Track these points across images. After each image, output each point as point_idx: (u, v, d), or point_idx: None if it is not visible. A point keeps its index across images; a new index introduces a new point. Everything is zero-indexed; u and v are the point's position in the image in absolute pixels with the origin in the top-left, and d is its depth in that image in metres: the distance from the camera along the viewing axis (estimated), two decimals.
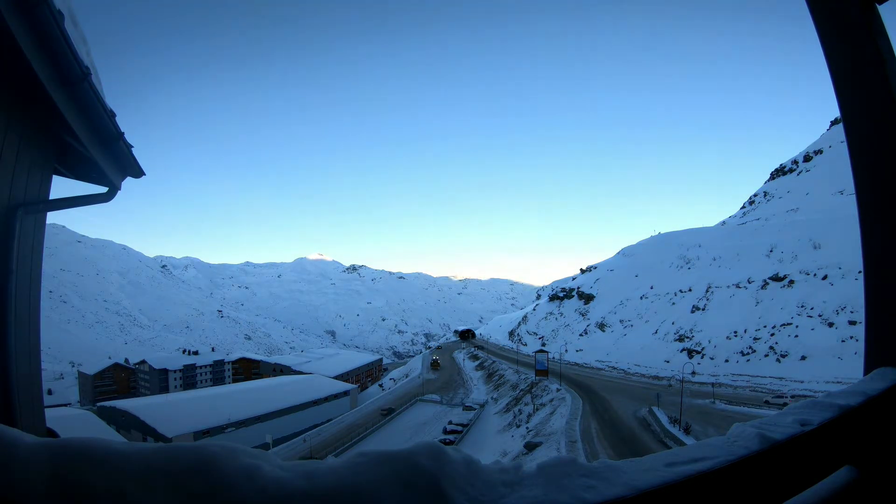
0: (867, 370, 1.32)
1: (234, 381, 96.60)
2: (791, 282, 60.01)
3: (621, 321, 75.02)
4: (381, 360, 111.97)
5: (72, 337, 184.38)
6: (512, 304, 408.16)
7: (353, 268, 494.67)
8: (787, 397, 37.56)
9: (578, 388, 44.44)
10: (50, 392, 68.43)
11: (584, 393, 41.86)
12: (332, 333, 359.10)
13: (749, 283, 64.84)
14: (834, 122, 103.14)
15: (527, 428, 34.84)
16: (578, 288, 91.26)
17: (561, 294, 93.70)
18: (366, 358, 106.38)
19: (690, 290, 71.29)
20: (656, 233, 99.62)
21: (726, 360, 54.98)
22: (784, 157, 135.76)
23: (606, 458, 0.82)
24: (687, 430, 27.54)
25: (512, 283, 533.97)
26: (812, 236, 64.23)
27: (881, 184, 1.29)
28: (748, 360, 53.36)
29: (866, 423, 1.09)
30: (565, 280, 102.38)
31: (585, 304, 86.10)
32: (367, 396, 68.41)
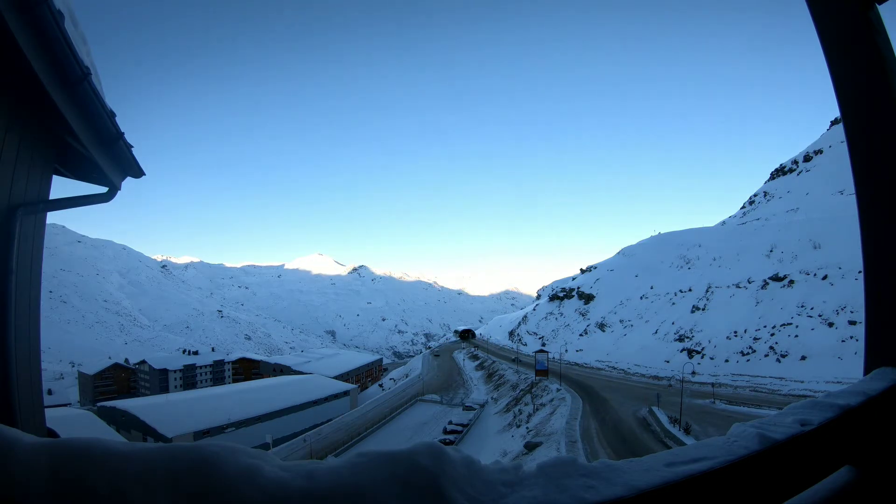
0: (867, 370, 1.32)
1: (234, 381, 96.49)
2: (791, 282, 59.99)
3: (621, 321, 75.01)
4: (381, 360, 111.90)
5: (72, 337, 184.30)
6: (512, 304, 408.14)
7: (354, 268, 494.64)
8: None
9: (578, 388, 44.44)
10: (50, 392, 68.28)
11: (584, 393, 41.86)
12: (332, 333, 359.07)
13: (749, 283, 64.83)
14: (834, 122, 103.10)
15: (527, 428, 34.82)
16: (578, 288, 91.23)
17: (561, 294, 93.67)
18: (366, 358, 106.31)
19: (690, 290, 71.28)
20: (656, 233, 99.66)
21: (726, 360, 54.96)
22: (784, 157, 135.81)
23: (606, 458, 0.82)
24: (687, 430, 27.53)
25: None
26: (812, 236, 64.22)
27: (881, 184, 1.29)
28: (748, 360, 53.34)
29: (866, 423, 1.09)
30: (565, 280, 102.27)
31: (585, 304, 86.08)
32: (367, 396, 68.37)
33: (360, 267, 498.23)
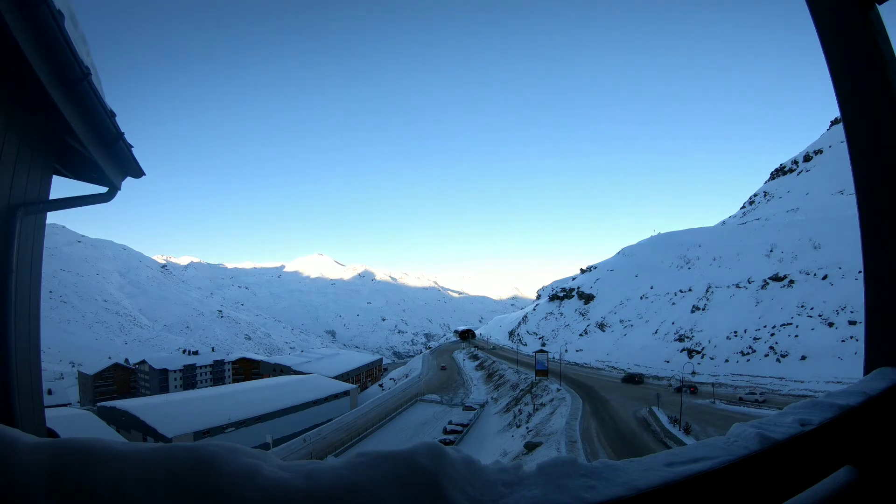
0: (867, 370, 1.32)
1: (234, 381, 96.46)
2: (791, 282, 59.99)
3: (621, 321, 74.99)
4: (381, 360, 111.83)
5: (72, 337, 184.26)
6: (512, 305, 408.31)
7: (354, 268, 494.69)
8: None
9: (578, 388, 44.45)
10: (50, 392, 68.29)
11: (584, 393, 41.87)
12: (332, 333, 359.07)
13: (749, 283, 64.83)
14: (834, 122, 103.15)
15: (527, 428, 34.82)
16: (578, 288, 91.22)
17: (561, 294, 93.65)
18: (366, 358, 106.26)
19: (690, 290, 71.26)
20: (656, 233, 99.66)
21: (726, 360, 54.96)
22: (784, 157, 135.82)
23: (606, 458, 0.83)
24: (687, 430, 27.54)
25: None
26: (812, 236, 64.21)
27: (881, 184, 1.29)
28: (748, 360, 53.34)
29: (866, 423, 1.09)
30: (565, 280, 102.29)
31: (585, 304, 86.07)
32: (367, 396, 68.36)
33: (361, 267, 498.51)
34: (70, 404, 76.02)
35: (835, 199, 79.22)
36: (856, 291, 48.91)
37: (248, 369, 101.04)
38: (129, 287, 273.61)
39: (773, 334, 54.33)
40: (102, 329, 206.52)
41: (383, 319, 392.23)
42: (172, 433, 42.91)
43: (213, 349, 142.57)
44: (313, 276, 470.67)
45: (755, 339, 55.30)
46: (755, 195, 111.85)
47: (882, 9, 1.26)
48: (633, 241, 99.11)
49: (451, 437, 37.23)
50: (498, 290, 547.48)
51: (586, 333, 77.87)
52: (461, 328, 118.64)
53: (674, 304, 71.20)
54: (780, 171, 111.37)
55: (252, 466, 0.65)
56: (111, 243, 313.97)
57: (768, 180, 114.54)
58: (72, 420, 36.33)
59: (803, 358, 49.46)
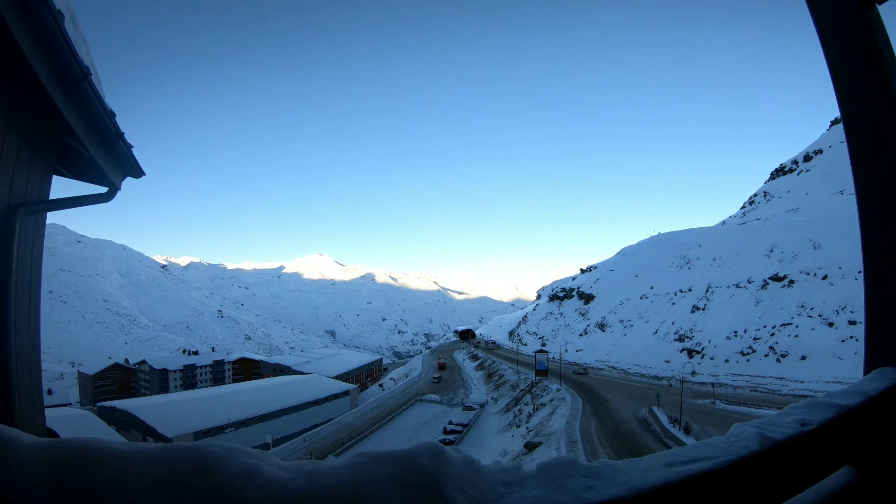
0: (867, 370, 1.32)
1: (234, 381, 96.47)
2: (791, 282, 59.97)
3: (621, 321, 74.98)
4: (381, 360, 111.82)
5: (72, 337, 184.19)
6: (512, 305, 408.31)
7: (354, 268, 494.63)
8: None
9: (578, 388, 44.45)
10: (50, 392, 68.23)
11: (584, 393, 41.87)
12: (332, 333, 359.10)
13: (749, 283, 64.81)
14: (834, 122, 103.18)
15: (527, 428, 34.81)
16: (578, 288, 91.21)
17: (561, 294, 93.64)
18: (366, 358, 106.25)
19: (690, 290, 71.24)
20: (656, 233, 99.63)
21: (726, 360, 54.95)
22: (784, 157, 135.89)
23: (606, 458, 0.83)
24: (687, 430, 27.54)
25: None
26: (812, 236, 64.20)
27: (881, 184, 1.29)
28: (748, 360, 53.33)
29: (866, 423, 1.09)
30: (565, 280, 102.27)
31: (585, 304, 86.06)
32: (367, 396, 68.37)
33: (361, 267, 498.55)
34: (70, 404, 75.97)
35: (835, 199, 79.28)
36: (856, 291, 48.90)
37: (248, 369, 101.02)
38: (129, 287, 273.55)
39: (773, 334, 54.31)
40: (102, 329, 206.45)
41: (383, 319, 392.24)
42: (172, 433, 42.89)
43: (213, 349, 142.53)
44: (313, 276, 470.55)
45: (755, 339, 55.28)
46: (755, 195, 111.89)
47: (882, 9, 1.26)
48: (633, 241, 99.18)
49: (451, 437, 37.22)
50: (498, 290, 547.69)
51: (586, 333, 77.85)
52: (461, 328, 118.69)
53: (674, 304, 71.19)
54: (780, 171, 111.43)
55: (252, 466, 0.65)
56: (111, 243, 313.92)
57: (768, 180, 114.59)
58: (72, 420, 36.33)
59: (803, 358, 49.45)
